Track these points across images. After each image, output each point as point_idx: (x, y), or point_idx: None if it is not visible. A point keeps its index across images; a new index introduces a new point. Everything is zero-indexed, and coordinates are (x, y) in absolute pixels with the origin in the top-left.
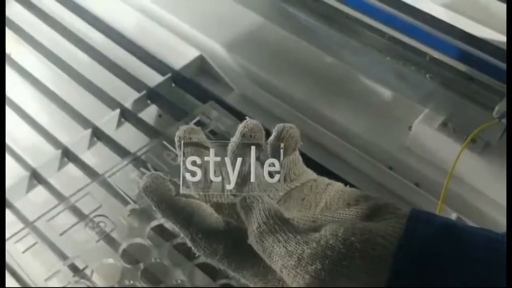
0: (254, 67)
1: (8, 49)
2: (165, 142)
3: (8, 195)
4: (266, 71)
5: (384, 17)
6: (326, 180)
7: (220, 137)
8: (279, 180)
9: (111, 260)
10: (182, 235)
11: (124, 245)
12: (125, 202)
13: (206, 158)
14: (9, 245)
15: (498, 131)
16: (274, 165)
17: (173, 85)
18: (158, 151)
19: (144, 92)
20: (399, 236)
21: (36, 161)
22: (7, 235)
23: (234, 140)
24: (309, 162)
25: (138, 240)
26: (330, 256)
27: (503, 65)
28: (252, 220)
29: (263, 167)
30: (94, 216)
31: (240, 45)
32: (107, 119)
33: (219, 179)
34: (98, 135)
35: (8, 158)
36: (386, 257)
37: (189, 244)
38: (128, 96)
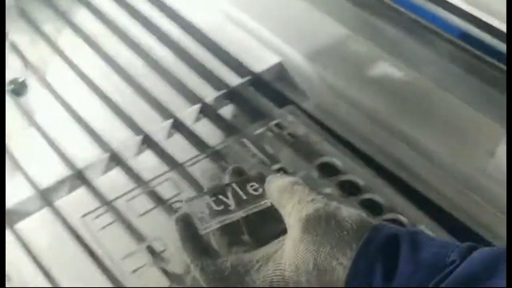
0: (333, 78)
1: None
2: (244, 140)
3: (86, 173)
4: (346, 82)
5: (472, 41)
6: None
7: (297, 141)
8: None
9: None
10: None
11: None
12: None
13: None
14: (86, 220)
15: None
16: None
17: (251, 88)
18: (237, 148)
19: (224, 90)
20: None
21: (115, 145)
22: (84, 211)
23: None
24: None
25: None
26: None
27: None
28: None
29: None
30: (173, 202)
31: (320, 54)
32: (187, 112)
33: (221, 207)
34: (177, 126)
35: (89, 139)
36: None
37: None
38: (207, 94)
